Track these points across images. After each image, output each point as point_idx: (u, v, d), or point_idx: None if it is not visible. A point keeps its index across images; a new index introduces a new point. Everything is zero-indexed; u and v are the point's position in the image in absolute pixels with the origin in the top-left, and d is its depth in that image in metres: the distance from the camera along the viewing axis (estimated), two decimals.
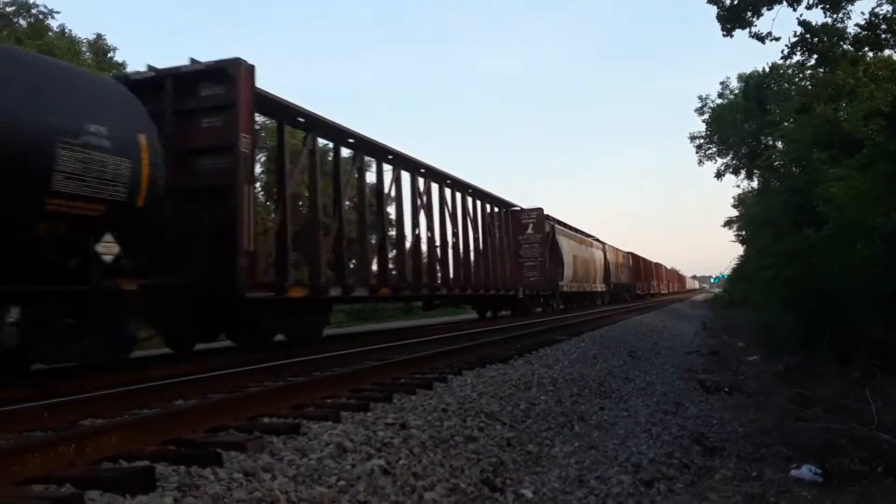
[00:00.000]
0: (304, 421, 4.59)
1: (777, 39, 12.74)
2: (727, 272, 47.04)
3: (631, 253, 44.95)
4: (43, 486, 3.15)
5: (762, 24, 12.63)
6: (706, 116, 40.26)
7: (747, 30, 12.65)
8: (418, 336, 12.34)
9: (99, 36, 26.39)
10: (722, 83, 39.02)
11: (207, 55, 9.08)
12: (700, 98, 41.01)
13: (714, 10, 12.66)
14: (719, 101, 38.99)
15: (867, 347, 6.64)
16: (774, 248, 11.20)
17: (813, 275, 8.47)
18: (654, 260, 58.51)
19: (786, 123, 20.20)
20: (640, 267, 48.24)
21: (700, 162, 41.38)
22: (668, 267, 64.95)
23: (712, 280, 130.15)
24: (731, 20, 12.46)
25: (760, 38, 12.63)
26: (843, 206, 8.65)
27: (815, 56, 13.45)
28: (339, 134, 11.78)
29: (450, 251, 16.71)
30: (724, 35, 12.61)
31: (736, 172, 39.66)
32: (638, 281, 46.41)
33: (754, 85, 30.56)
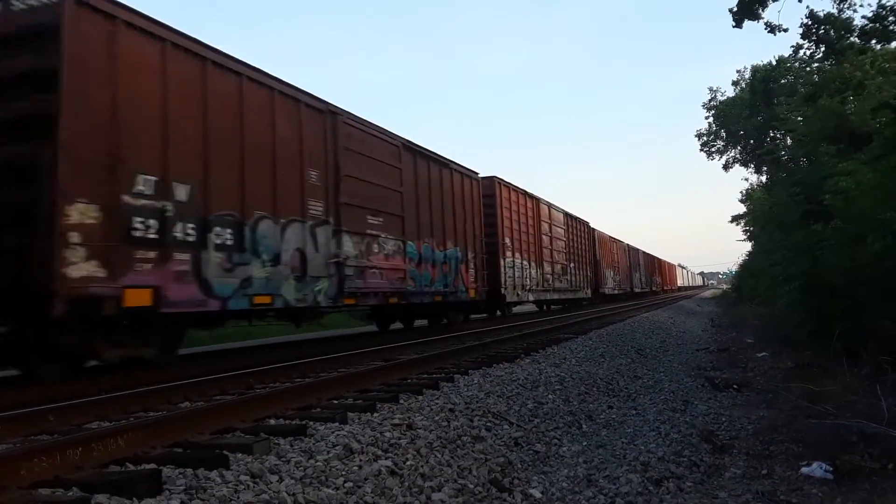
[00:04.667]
0: (311, 422, 4.58)
1: (786, 31, 12.85)
2: (735, 268, 46.60)
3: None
4: (50, 489, 3.15)
5: (769, 15, 12.76)
6: (712, 112, 40.16)
7: (757, 21, 12.75)
8: (425, 336, 12.33)
9: None
10: (738, 72, 38.89)
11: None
12: (710, 89, 40.93)
13: (723, 3, 12.77)
14: (731, 90, 38.85)
15: (878, 343, 6.57)
16: (783, 243, 11.13)
17: (822, 270, 8.40)
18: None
19: (791, 116, 20.09)
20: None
21: (709, 156, 41.31)
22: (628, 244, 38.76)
23: (720, 276, 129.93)
24: (742, 13, 12.55)
25: (771, 29, 12.71)
26: (853, 201, 8.57)
27: (823, 47, 13.47)
28: None
29: None
30: (734, 26, 12.69)
31: (745, 165, 39.59)
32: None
33: (761, 79, 30.41)
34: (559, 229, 22.86)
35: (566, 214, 24.26)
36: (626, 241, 38.84)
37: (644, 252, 47.73)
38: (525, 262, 18.67)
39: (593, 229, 29.21)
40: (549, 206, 21.89)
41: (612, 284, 33.01)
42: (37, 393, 5.72)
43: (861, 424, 4.91)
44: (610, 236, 33.85)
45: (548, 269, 20.95)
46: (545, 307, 24.88)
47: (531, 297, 19.65)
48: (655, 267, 54.98)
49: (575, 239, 25.23)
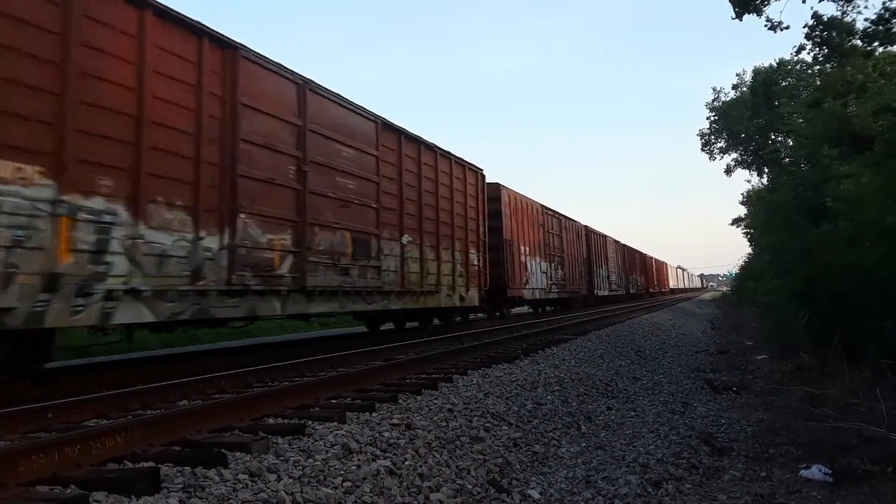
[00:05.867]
0: (310, 422, 4.57)
1: (787, 28, 12.86)
2: (735, 270, 46.45)
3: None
4: (48, 487, 3.15)
5: (771, 12, 12.78)
6: (713, 112, 40.27)
7: (758, 16, 12.75)
8: (425, 336, 12.32)
9: None
10: (738, 75, 39.02)
11: None
12: (714, 90, 41.07)
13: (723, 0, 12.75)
14: (733, 93, 38.95)
15: (878, 346, 6.57)
16: (784, 245, 11.11)
17: (826, 272, 8.39)
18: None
19: (794, 116, 20.08)
20: None
21: (711, 157, 41.42)
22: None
23: (720, 278, 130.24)
24: (744, 4, 12.56)
25: (772, 26, 12.71)
26: (858, 204, 8.55)
27: (826, 49, 13.47)
28: None
29: None
30: (734, 18, 12.70)
31: (747, 167, 39.67)
32: None
33: (762, 81, 30.41)
34: (364, 156, 10.04)
35: (398, 133, 11.22)
36: (583, 223, 26.68)
37: (616, 241, 34.49)
38: (177, 218, 6.54)
39: (498, 186, 16.87)
40: (337, 101, 9.48)
41: (544, 284, 20.16)
42: (36, 390, 5.72)
43: (860, 427, 4.91)
44: (544, 206, 20.91)
45: (317, 239, 8.66)
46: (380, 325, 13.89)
47: (224, 311, 7.14)
48: (637, 263, 41.61)
49: (430, 190, 12.30)
